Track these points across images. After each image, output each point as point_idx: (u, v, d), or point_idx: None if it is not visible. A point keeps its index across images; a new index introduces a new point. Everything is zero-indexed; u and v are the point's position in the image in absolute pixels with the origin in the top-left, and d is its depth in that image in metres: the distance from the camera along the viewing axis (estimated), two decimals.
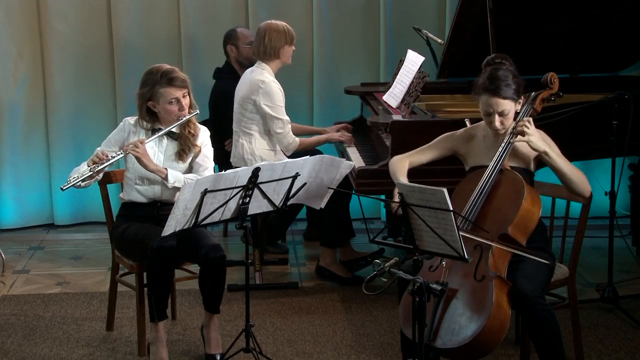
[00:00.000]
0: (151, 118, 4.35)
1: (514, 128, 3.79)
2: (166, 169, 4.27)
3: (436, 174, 4.32)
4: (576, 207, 3.99)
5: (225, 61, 5.89)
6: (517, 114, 3.87)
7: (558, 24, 5.40)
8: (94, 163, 4.15)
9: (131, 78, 6.10)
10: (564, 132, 4.40)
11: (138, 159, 4.22)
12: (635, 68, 5.82)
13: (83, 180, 4.17)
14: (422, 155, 4.06)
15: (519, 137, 3.75)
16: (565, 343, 3.79)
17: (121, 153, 4.22)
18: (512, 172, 3.77)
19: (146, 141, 4.25)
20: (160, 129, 4.31)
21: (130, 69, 6.16)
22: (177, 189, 4.22)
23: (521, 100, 3.85)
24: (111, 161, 4.19)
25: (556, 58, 5.48)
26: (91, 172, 4.13)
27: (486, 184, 3.73)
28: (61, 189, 4.15)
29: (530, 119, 3.81)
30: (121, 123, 4.43)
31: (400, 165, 4.01)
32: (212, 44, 6.24)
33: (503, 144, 3.79)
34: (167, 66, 4.33)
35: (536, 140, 3.76)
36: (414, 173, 4.03)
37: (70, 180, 4.15)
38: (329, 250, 5.32)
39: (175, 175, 4.27)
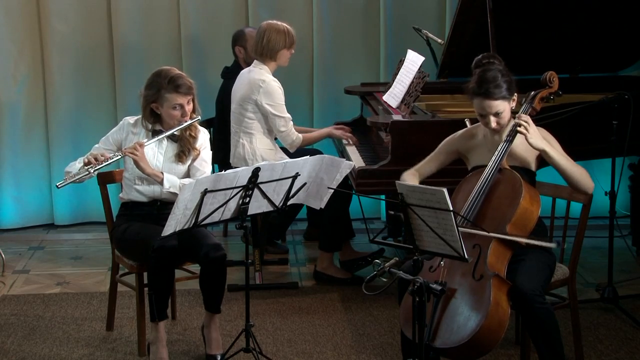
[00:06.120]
0: (154, 119, 4.34)
1: (513, 125, 3.79)
2: (162, 173, 4.27)
3: (436, 174, 4.32)
4: (576, 207, 3.99)
5: (234, 60, 5.86)
6: (514, 112, 3.87)
7: (558, 24, 5.40)
8: (91, 163, 4.15)
9: (131, 78, 6.11)
10: (564, 132, 4.40)
11: (135, 162, 4.22)
12: (635, 68, 5.82)
13: (81, 179, 4.18)
14: (429, 165, 4.05)
15: (517, 132, 3.75)
16: (565, 343, 3.79)
17: (119, 155, 4.23)
18: (510, 171, 3.77)
19: (146, 144, 4.25)
20: (161, 131, 4.31)
21: (130, 69, 6.16)
22: (172, 193, 4.22)
23: (515, 97, 3.85)
24: (108, 162, 4.20)
25: (556, 58, 5.48)
26: (88, 173, 4.13)
27: (485, 183, 3.73)
28: (57, 186, 4.15)
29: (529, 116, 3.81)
30: (121, 122, 4.43)
31: (411, 179, 4.00)
32: (212, 44, 6.24)
33: (502, 143, 3.79)
34: (175, 71, 4.30)
35: (534, 137, 3.76)
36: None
37: (66, 179, 4.15)
38: (325, 254, 5.30)
39: (171, 180, 4.27)
